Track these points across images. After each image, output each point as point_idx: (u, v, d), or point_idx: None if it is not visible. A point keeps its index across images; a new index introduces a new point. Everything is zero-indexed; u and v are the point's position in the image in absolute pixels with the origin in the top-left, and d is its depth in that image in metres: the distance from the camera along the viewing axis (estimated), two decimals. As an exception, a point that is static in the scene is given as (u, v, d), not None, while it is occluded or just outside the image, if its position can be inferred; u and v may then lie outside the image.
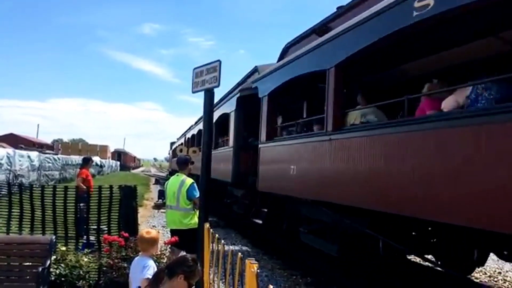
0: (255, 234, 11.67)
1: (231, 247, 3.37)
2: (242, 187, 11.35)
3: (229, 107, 12.63)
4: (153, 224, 13.81)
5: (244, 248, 10.51)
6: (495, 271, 8.79)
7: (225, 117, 13.42)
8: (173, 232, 6.69)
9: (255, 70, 12.03)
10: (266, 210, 9.72)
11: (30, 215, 6.32)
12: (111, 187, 6.48)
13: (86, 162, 11.09)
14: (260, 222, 9.96)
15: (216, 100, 10.20)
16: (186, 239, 6.16)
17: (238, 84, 13.40)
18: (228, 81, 14.27)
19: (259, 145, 9.12)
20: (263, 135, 8.96)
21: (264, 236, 11.04)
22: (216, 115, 12.83)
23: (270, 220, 9.75)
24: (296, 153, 7.38)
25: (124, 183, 6.94)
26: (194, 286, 4.37)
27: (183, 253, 6.01)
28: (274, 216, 9.56)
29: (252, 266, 2.50)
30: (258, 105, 9.46)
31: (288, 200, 8.30)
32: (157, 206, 18.24)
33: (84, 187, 8.65)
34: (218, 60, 4.89)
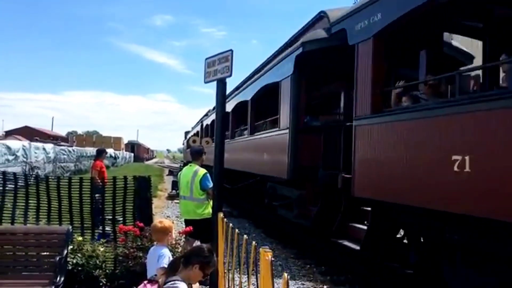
0: (269, 224, 11.70)
1: (245, 236, 3.38)
2: (299, 185, 8.56)
3: (279, 74, 9.16)
4: (167, 214, 13.92)
5: (258, 237, 10.54)
6: None
7: (269, 89, 10.18)
8: (187, 222, 6.74)
9: (319, 16, 8.47)
10: (365, 227, 6.41)
11: (46, 206, 6.42)
12: (125, 177, 6.53)
13: (100, 153, 11.18)
14: (357, 248, 6.23)
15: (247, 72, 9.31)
16: (200, 229, 6.20)
17: (290, 43, 9.88)
18: (241, 71, 14.12)
19: (355, 123, 5.95)
20: (363, 106, 5.78)
21: (277, 226, 11.07)
22: (253, 89, 11.39)
23: (376, 245, 6.22)
24: (468, 133, 4.04)
25: (138, 174, 7.00)
26: (208, 276, 4.41)
27: (197, 242, 6.07)
28: (382, 238, 6.24)
29: (266, 254, 2.51)
30: (330, 65, 7.64)
31: (425, 217, 5.07)
32: (171, 197, 18.36)
33: (99, 179, 8.75)
34: (230, 50, 4.87)
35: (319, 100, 10.62)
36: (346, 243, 6.54)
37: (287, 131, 8.33)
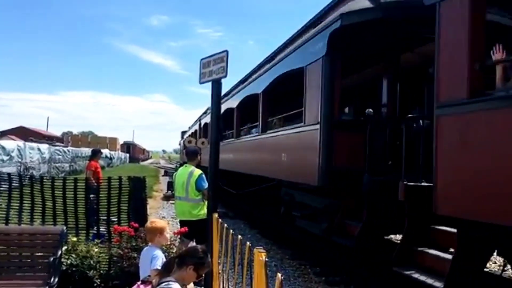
0: (264, 225, 11.71)
1: (240, 237, 3.38)
2: (328, 192, 7.09)
3: (303, 58, 7.48)
4: (162, 215, 13.91)
5: (253, 238, 10.55)
6: None
7: (288, 78, 8.69)
8: (183, 223, 6.73)
9: None
10: (449, 257, 4.63)
11: (41, 206, 6.41)
12: (120, 178, 6.53)
13: (95, 154, 11.15)
14: (441, 286, 4.36)
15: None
16: (195, 230, 6.20)
17: (315, 21, 7.90)
18: (237, 72, 13.91)
19: (438, 112, 4.37)
20: (453, 87, 4.23)
21: (273, 226, 11.08)
22: (265, 80, 9.94)
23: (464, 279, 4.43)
24: None
25: (133, 175, 6.99)
26: (203, 276, 4.40)
27: (192, 243, 6.05)
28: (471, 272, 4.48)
29: (260, 255, 2.51)
30: (370, 43, 6.53)
31: None
32: (166, 198, 18.34)
33: (93, 179, 8.73)
34: (226, 50, 4.87)
35: (352, 89, 9.30)
36: (421, 277, 4.72)
37: (317, 126, 6.72)
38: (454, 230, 4.66)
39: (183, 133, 35.11)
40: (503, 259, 5.18)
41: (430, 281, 4.58)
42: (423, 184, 5.03)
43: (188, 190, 6.65)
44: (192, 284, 6.12)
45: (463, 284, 4.41)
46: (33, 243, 5.19)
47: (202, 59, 5.27)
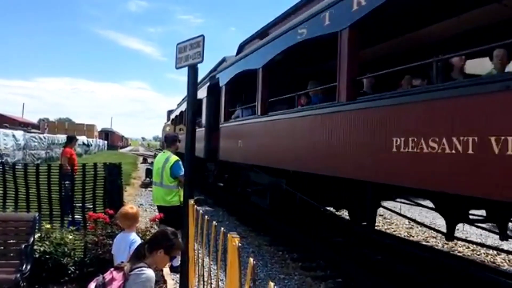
0: (242, 212, 11.74)
1: (214, 223, 3.37)
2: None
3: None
4: (140, 202, 13.81)
5: (232, 225, 10.57)
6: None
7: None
8: (159, 208, 6.72)
9: None
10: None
11: (14, 193, 6.28)
12: (95, 164, 6.44)
13: (70, 140, 10.95)
14: None
15: None
16: (169, 216, 6.17)
17: None
18: (219, 58, 13.90)
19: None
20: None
21: (252, 213, 11.11)
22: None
23: None
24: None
25: (110, 162, 6.90)
26: (179, 262, 4.38)
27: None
28: None
29: (233, 240, 2.50)
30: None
31: None
32: (145, 185, 18.20)
33: (69, 166, 8.59)
34: (202, 35, 4.79)
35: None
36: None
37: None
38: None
39: (170, 112, 31.56)
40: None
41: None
42: None
43: (163, 176, 6.63)
44: (167, 269, 6.15)
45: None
46: (5, 230, 5.08)
47: (178, 44, 5.19)
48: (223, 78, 11.87)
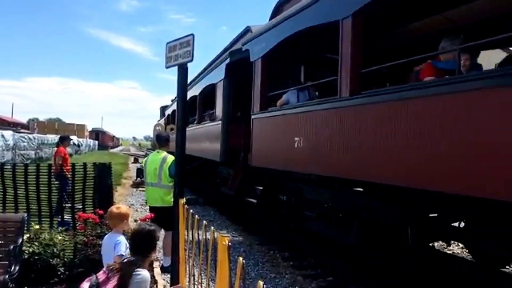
0: (234, 211, 11.72)
1: (204, 222, 3.36)
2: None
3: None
4: (131, 202, 13.74)
5: (223, 224, 10.55)
6: None
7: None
8: (153, 209, 6.66)
9: None
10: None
11: (1, 194, 6.21)
12: (85, 164, 6.40)
13: (63, 140, 10.86)
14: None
15: None
16: (166, 217, 6.15)
17: None
18: (211, 57, 13.71)
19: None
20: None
21: (243, 213, 11.10)
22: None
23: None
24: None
25: (100, 162, 6.86)
26: (169, 262, 4.35)
27: (162, 231, 6.01)
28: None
29: (223, 239, 2.50)
30: None
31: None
32: (136, 185, 18.12)
33: (65, 166, 8.54)
34: (191, 34, 4.78)
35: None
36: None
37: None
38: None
39: (164, 108, 29.68)
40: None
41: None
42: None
43: (161, 176, 6.60)
44: (158, 269, 6.13)
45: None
46: (-7, 231, 5.03)
47: (168, 43, 5.18)
48: (257, 50, 8.10)
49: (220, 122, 10.23)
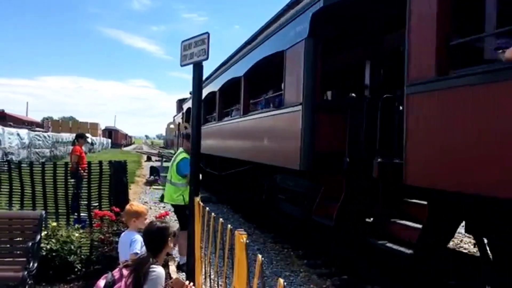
0: (247, 210, 11.73)
1: (221, 220, 3.36)
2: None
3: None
4: (145, 200, 13.82)
5: (236, 222, 10.57)
6: None
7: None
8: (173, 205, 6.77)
9: None
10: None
11: (20, 191, 6.31)
12: (100, 162, 6.46)
13: (80, 138, 10.85)
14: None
15: None
16: (178, 215, 6.19)
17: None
18: (223, 57, 13.50)
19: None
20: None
21: (256, 211, 11.10)
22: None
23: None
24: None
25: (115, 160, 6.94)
26: (185, 260, 4.36)
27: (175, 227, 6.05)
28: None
29: (241, 237, 2.50)
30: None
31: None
32: (149, 183, 18.22)
33: (81, 165, 8.62)
34: (207, 33, 4.78)
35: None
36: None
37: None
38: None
39: (181, 101, 26.41)
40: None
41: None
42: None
43: (171, 173, 6.68)
44: (174, 267, 6.16)
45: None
46: (11, 228, 5.09)
47: (183, 41, 5.18)
48: None
49: (298, 108, 6.58)
